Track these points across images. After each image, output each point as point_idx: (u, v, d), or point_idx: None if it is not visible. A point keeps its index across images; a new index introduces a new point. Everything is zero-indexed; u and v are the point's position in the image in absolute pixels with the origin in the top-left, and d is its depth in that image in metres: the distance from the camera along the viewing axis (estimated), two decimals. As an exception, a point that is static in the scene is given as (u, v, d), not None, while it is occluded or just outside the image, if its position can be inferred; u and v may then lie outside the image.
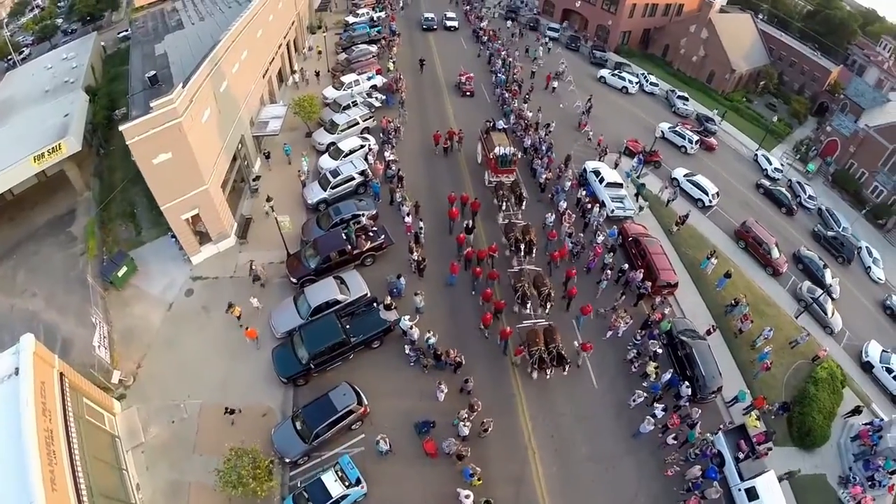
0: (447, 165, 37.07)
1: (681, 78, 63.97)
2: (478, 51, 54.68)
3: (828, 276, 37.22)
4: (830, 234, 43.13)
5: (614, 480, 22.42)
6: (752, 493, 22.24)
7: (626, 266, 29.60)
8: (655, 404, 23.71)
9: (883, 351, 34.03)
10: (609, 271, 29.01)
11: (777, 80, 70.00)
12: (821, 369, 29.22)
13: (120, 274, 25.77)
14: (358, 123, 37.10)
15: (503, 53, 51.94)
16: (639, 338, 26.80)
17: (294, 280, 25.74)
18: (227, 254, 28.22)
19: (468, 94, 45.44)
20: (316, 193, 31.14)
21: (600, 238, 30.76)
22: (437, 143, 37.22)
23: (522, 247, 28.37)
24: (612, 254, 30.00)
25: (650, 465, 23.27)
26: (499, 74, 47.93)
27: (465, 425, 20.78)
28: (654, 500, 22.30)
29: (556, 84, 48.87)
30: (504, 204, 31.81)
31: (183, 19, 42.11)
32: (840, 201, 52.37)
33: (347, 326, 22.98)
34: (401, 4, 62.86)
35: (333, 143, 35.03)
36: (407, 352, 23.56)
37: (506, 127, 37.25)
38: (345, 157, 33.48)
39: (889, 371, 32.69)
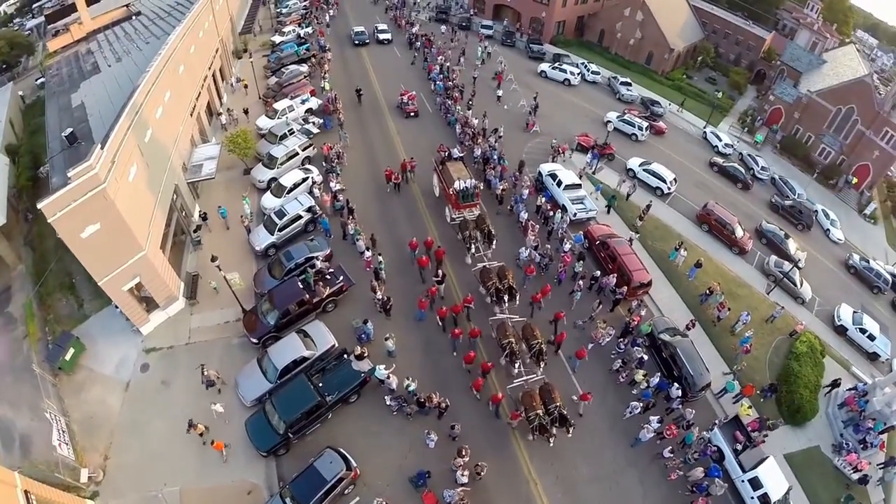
0: (402, 202, 35.25)
1: (620, 62, 65.55)
2: (412, 58, 53.90)
3: (791, 247, 38.84)
4: (787, 202, 45.06)
5: (620, 496, 22.56)
6: (755, 483, 23.02)
7: (598, 273, 30.01)
8: (650, 417, 23.94)
9: (854, 312, 35.86)
10: (581, 281, 29.19)
11: (714, 53, 72.89)
12: (800, 343, 30.49)
13: (68, 357, 24.24)
14: (298, 154, 35.92)
15: (440, 59, 51.67)
16: (622, 346, 27.12)
17: (255, 340, 24.77)
18: (179, 318, 26.99)
19: (412, 114, 43.72)
20: (263, 239, 30.10)
21: (567, 246, 30.95)
22: (389, 180, 35.16)
23: (504, 296, 26.95)
24: (581, 261, 30.26)
25: (652, 472, 23.57)
26: (437, 82, 47.55)
27: (462, 474, 20.40)
28: None
29: (499, 92, 48.68)
30: (472, 245, 30.06)
31: (99, 62, 40.11)
32: (791, 168, 55.00)
33: (320, 385, 22.24)
34: (327, 18, 61.42)
35: (274, 179, 33.98)
36: (388, 402, 23.00)
37: (462, 155, 34.83)
38: (288, 193, 32.45)
39: (863, 332, 34.52)
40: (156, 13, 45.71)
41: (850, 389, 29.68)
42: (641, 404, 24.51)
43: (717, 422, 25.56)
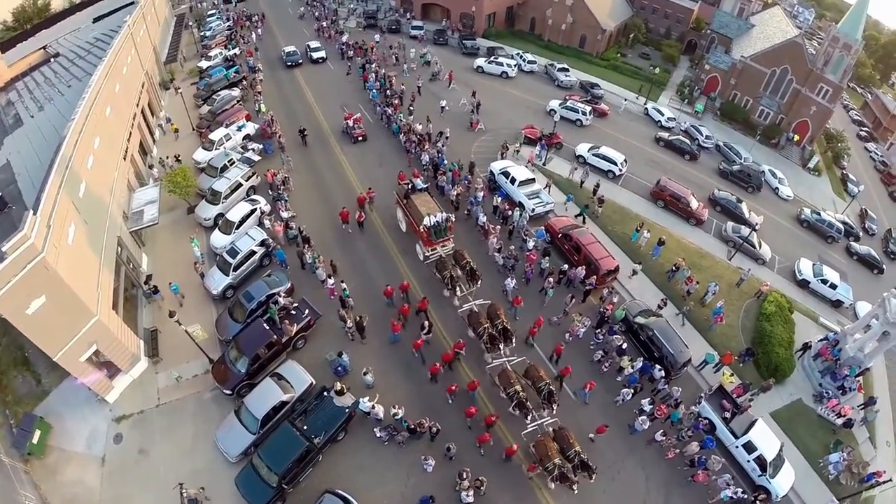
0: (366, 240, 33.65)
1: (554, 49, 67.97)
2: (347, 69, 53.85)
3: (745, 210, 41.31)
4: (735, 167, 47.93)
5: (624, 484, 23.67)
6: (749, 447, 24.82)
7: (566, 266, 31.06)
8: (642, 401, 25.35)
9: (814, 265, 38.70)
10: (550, 278, 30.20)
11: (644, 29, 76.37)
12: (768, 304, 32.69)
13: (35, 440, 23.35)
14: (241, 185, 35.39)
15: (373, 66, 52.04)
16: (600, 337, 28.37)
17: (228, 391, 24.60)
18: (145, 379, 26.40)
19: (360, 138, 42.22)
20: (219, 281, 29.68)
21: (531, 244, 32.01)
22: (346, 221, 33.76)
23: (499, 340, 26.04)
24: (547, 257, 31.38)
25: (651, 454, 24.90)
26: (372, 90, 47.88)
27: (467, 494, 20.98)
28: (666, 488, 23.93)
29: (452, 86, 49.27)
30: (456, 288, 29.08)
31: (21, 113, 38.44)
32: (733, 133, 58.56)
33: (305, 428, 22.26)
34: (254, 37, 60.25)
35: (221, 215, 33.54)
36: (377, 434, 23.27)
37: (426, 186, 33.22)
38: (237, 228, 32.09)
39: (824, 282, 37.30)
40: (75, 53, 44.16)
41: (821, 340, 32.11)
42: (631, 389, 25.80)
43: (702, 394, 27.22)
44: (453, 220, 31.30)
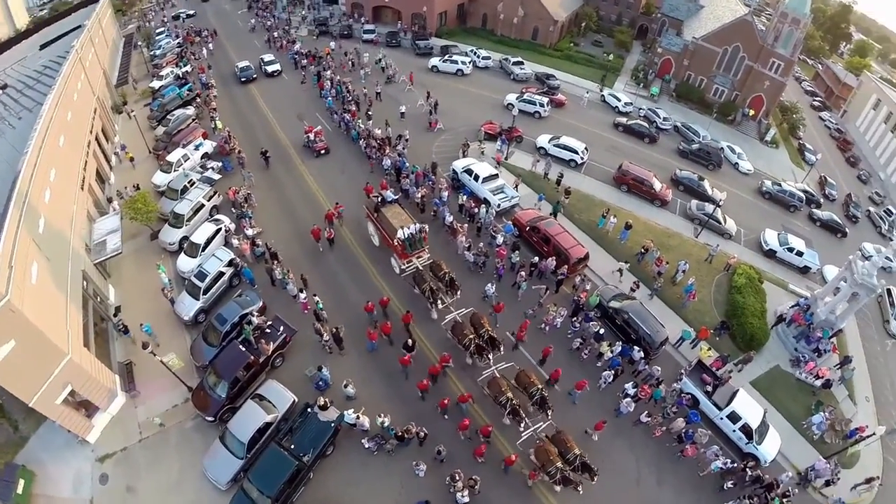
0: (338, 256, 33.18)
1: (508, 43, 68.85)
2: (302, 78, 53.61)
3: (707, 187, 42.65)
4: (694, 146, 49.44)
5: (615, 467, 24.17)
6: (733, 417, 25.78)
7: (536, 259, 31.60)
8: (625, 385, 26.04)
9: (779, 234, 40.16)
10: (522, 271, 30.71)
11: (596, 17, 78.09)
12: (738, 277, 33.86)
13: (20, 491, 22.80)
14: (204, 205, 35.05)
15: (328, 73, 52.08)
16: (576, 325, 28.97)
17: (210, 418, 24.46)
18: (124, 414, 25.92)
19: (323, 151, 41.77)
20: (190, 306, 29.39)
21: (500, 239, 32.55)
22: (318, 239, 33.14)
23: (486, 349, 25.97)
24: (516, 251, 31.90)
25: (638, 435, 25.59)
26: (328, 98, 47.87)
27: (462, 495, 21.24)
28: (657, 466, 24.66)
29: (409, 87, 49.46)
30: (437, 300, 28.87)
31: None
32: (690, 112, 60.39)
33: (293, 447, 22.21)
34: (205, 52, 59.47)
35: (185, 238, 33.16)
36: (366, 445, 23.38)
37: (397, 197, 32.88)
38: (203, 250, 31.77)
39: (790, 250, 38.80)
40: (23, 83, 43.15)
41: (793, 307, 33.42)
42: (612, 372, 26.42)
43: (682, 371, 28.08)
44: (427, 230, 31.08)
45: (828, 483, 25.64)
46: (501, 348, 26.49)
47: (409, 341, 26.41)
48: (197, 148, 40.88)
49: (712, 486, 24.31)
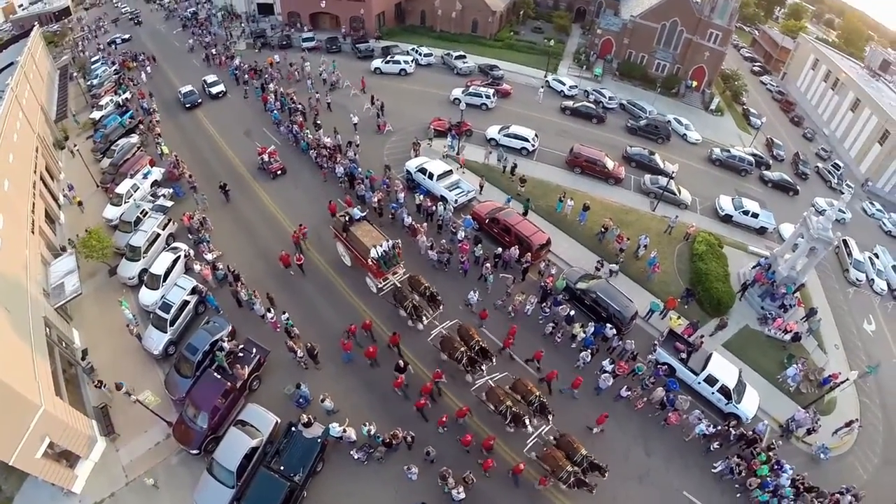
0: (311, 280, 32.20)
1: (448, 38, 69.70)
2: (244, 93, 52.71)
3: (659, 161, 43.97)
4: (642, 122, 51.04)
5: (604, 444, 24.78)
6: (710, 380, 26.88)
7: (499, 249, 32.07)
8: (602, 362, 26.70)
9: (733, 199, 41.71)
10: (487, 264, 31.08)
11: (533, 4, 79.57)
12: (698, 244, 35.12)
13: None
14: (159, 235, 34.49)
15: (272, 86, 51.61)
16: (547, 310, 29.52)
17: (194, 451, 24.07)
18: (107, 460, 25.23)
19: (280, 172, 40.70)
20: (158, 340, 28.81)
21: (461, 234, 32.91)
22: (287, 265, 32.45)
23: (479, 361, 25.78)
24: (479, 244, 32.30)
25: (621, 410, 26.32)
26: (274, 112, 47.34)
27: (458, 492, 21.41)
28: (643, 438, 25.54)
29: (329, 99, 49.43)
30: (422, 317, 28.46)
31: None
32: (634, 90, 62.25)
33: (282, 468, 22.12)
34: (144, 77, 57.96)
35: (145, 270, 32.51)
36: (355, 456, 23.42)
37: (365, 214, 31.84)
38: (164, 280, 31.30)
39: (746, 213, 40.32)
40: None
41: (754, 267, 34.87)
42: (589, 352, 27.10)
43: (656, 342, 29.00)
44: (400, 244, 30.52)
45: (809, 431, 27.03)
46: (494, 360, 26.28)
47: (401, 362, 25.98)
48: (145, 176, 40.11)
49: (699, 449, 25.30)
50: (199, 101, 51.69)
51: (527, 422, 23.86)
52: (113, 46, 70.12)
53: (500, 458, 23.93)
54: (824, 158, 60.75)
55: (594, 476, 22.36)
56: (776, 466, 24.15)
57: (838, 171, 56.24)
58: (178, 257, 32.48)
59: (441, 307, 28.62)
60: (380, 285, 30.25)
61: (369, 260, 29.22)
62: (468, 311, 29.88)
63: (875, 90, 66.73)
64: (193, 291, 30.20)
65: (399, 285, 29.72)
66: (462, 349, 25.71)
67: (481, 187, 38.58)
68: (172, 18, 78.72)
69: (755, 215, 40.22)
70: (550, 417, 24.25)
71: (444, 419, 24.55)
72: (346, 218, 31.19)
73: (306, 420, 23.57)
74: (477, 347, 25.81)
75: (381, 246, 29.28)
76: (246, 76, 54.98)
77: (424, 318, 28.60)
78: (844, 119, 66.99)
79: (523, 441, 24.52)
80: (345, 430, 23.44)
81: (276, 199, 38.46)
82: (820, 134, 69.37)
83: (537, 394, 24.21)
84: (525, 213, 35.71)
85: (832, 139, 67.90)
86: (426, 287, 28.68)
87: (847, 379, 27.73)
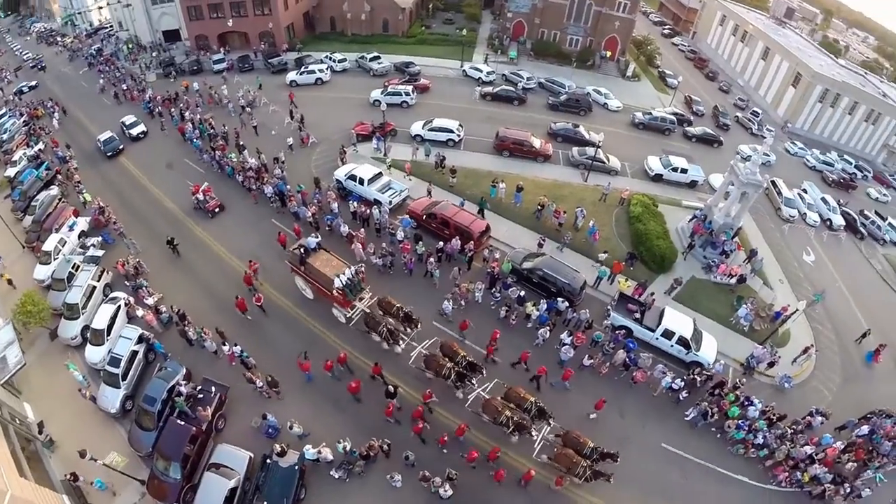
0: (274, 320, 30.81)
1: (361, 41, 69.62)
2: (161, 126, 50.25)
3: (584, 133, 45.55)
4: (562, 98, 52.79)
5: (571, 412, 25.52)
6: (667, 333, 28.21)
7: (441, 244, 32.41)
8: (560, 335, 27.46)
9: (660, 158, 43.55)
10: (431, 260, 31.40)
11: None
12: (633, 207, 36.67)
13: None
14: (95, 288, 33.32)
15: (188, 114, 50.04)
16: (497, 295, 30.15)
17: (174, 505, 23.47)
18: None
19: (217, 209, 38.77)
20: (113, 397, 27.78)
21: (400, 235, 33.15)
22: (244, 310, 30.64)
23: (469, 375, 25.50)
24: (420, 242, 32.52)
25: (586, 379, 27.25)
26: (193, 140, 45.75)
27: (444, 490, 21.70)
28: (615, 400, 26.37)
29: (255, 122, 48.68)
30: (398, 340, 27.79)
31: None
32: (551, 67, 64.20)
33: (266, 503, 21.97)
34: (55, 124, 55.02)
35: (87, 327, 31.45)
36: (335, 476, 23.28)
37: (319, 240, 30.55)
38: (108, 335, 30.32)
39: (675, 170, 42.33)
40: None
41: (691, 220, 36.64)
42: (546, 328, 27.87)
43: (608, 307, 30.17)
44: (363, 269, 29.89)
45: (770, 365, 28.83)
46: (484, 372, 26.22)
47: (390, 388, 25.34)
48: (71, 228, 38.34)
49: (670, 401, 26.57)
50: (121, 146, 48.32)
51: (532, 430, 23.97)
52: (18, 98, 66.72)
53: (508, 466, 23.94)
54: (742, 108, 64.31)
55: (607, 464, 22.75)
56: (746, 403, 25.74)
57: (757, 117, 59.63)
58: (119, 307, 31.30)
59: (419, 325, 27.92)
60: (348, 314, 29.37)
61: (334, 291, 28.28)
62: (445, 321, 29.71)
63: (783, 37, 71.30)
64: (140, 340, 29.19)
65: (369, 311, 29.03)
66: (448, 366, 25.35)
67: (429, 192, 37.94)
68: (77, 58, 75.11)
69: (684, 171, 42.20)
70: (551, 420, 24.43)
71: (444, 439, 24.33)
72: (301, 250, 29.90)
73: (279, 449, 23.21)
74: (464, 363, 25.50)
75: (343, 274, 28.33)
76: (159, 108, 53.13)
77: (402, 340, 28.09)
78: (757, 68, 71.15)
79: (529, 447, 24.80)
80: (320, 452, 23.26)
81: (224, 240, 36.54)
82: (735, 85, 73.24)
83: (532, 399, 24.18)
84: (481, 212, 35.87)
85: (747, 89, 71.89)
86: (398, 308, 27.81)
87: (797, 310, 29.34)
